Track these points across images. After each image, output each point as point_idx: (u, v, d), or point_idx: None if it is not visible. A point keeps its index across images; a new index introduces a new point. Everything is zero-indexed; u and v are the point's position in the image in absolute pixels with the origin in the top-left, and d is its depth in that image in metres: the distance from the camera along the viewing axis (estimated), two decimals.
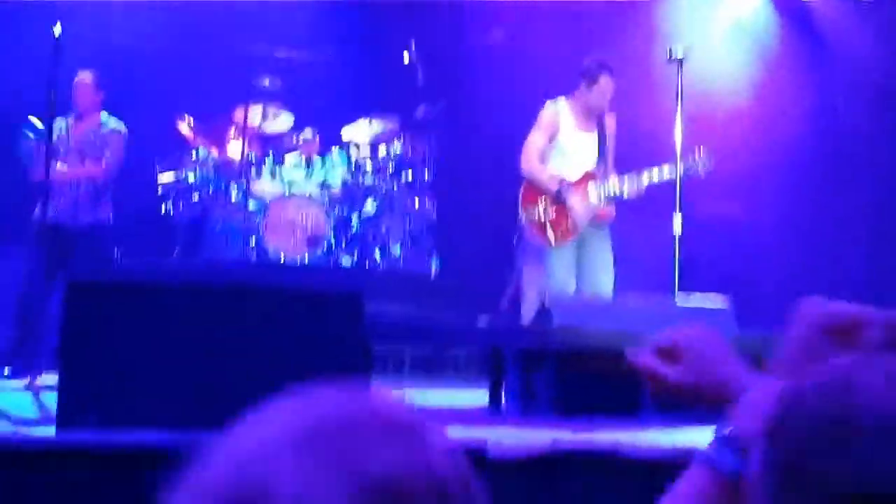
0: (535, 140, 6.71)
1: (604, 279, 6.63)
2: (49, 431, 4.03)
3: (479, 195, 9.10)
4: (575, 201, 6.58)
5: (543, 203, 6.61)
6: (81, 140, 7.22)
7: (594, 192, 6.63)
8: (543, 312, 5.69)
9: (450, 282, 8.70)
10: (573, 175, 6.68)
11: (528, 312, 7.21)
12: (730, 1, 10.30)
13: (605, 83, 6.64)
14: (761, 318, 6.28)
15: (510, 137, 9.37)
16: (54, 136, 6.58)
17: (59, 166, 6.94)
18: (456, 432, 4.71)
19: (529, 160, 6.67)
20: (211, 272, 8.16)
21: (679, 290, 6.38)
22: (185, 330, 4.27)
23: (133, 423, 3.99)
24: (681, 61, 6.61)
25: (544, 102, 6.84)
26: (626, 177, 6.67)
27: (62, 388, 4.11)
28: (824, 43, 10.20)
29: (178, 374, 4.20)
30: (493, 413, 5.56)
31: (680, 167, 6.54)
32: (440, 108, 8.99)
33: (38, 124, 6.91)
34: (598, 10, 9.60)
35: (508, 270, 8.90)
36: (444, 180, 9.11)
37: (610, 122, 6.82)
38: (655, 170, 6.63)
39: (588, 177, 6.68)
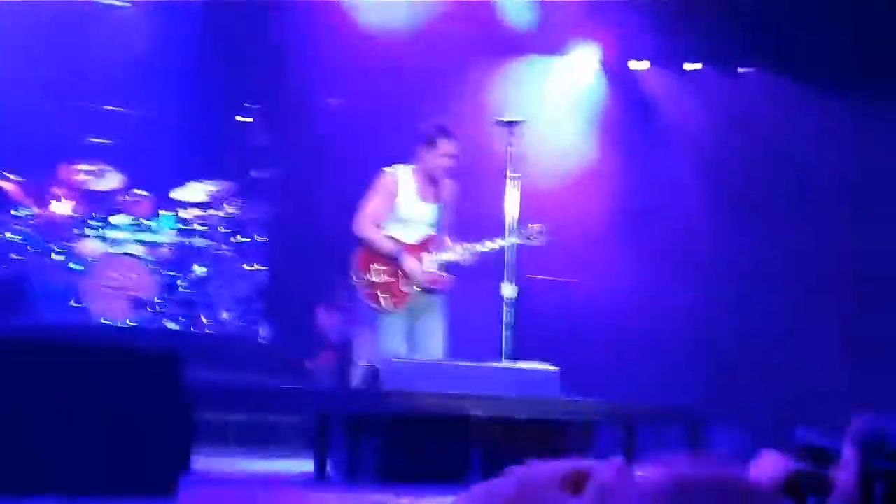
0: (371, 204, 6.65)
1: (433, 346, 6.58)
2: None
3: (312, 259, 8.99)
4: (410, 266, 6.53)
5: (377, 268, 6.54)
6: None
7: (430, 259, 6.60)
8: (372, 375, 5.58)
9: (280, 347, 8.53)
10: (410, 241, 6.65)
11: (358, 378, 7.11)
12: (563, 70, 10.55)
13: (444, 146, 6.63)
14: (588, 384, 6.37)
15: (346, 202, 9.32)
16: None
17: None
18: (280, 499, 4.57)
19: (364, 225, 6.61)
20: (32, 333, 7.80)
21: (509, 355, 6.39)
22: (5, 388, 4.11)
23: None
24: (512, 125, 6.66)
25: (381, 167, 6.79)
26: (462, 245, 6.65)
27: None
28: (653, 110, 10.55)
29: None
30: (318, 480, 5.40)
31: (515, 238, 6.56)
32: (279, 171, 8.88)
33: None
34: (436, 78, 9.68)
35: (330, 333, 8.82)
36: (277, 244, 8.97)
37: (449, 189, 6.80)
38: (491, 241, 6.64)
39: (425, 243, 6.65)
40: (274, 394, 5.90)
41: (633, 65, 10.82)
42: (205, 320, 8.54)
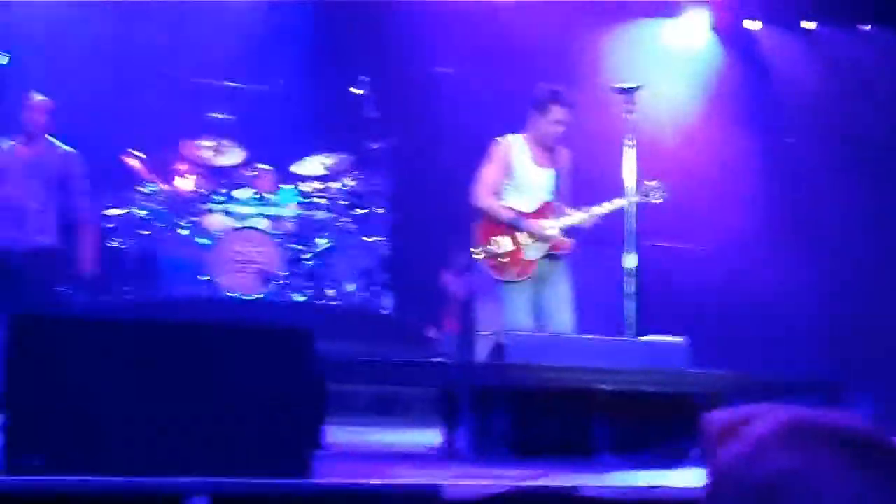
0: (487, 174, 6.61)
1: (563, 314, 6.50)
2: None
3: (431, 229, 9.05)
4: (531, 234, 6.53)
5: (499, 238, 6.54)
6: (32, 162, 6.95)
7: (551, 224, 6.57)
8: (499, 350, 5.62)
9: (403, 318, 8.62)
10: (529, 208, 6.63)
11: (482, 350, 7.15)
12: (676, 33, 10.41)
13: (556, 112, 6.55)
14: (716, 355, 6.30)
15: (464, 172, 9.37)
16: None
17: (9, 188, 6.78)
18: (410, 474, 4.64)
19: (482, 194, 6.58)
20: (160, 308, 8.02)
21: (632, 325, 6.36)
22: (134, 367, 4.15)
23: (81, 466, 3.88)
24: (628, 92, 6.60)
25: (495, 135, 6.78)
26: (581, 209, 6.62)
27: (7, 428, 3.98)
28: (768, 71, 10.35)
29: (126, 414, 4.08)
30: (447, 454, 5.47)
31: (634, 197, 6.50)
32: (394, 143, 8.95)
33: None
34: (546, 44, 9.63)
35: (454, 299, 8.87)
36: (396, 215, 9.04)
37: (564, 157, 6.76)
38: (610, 203, 6.58)
39: (543, 210, 6.61)
40: (401, 366, 5.97)
41: (747, 24, 10.64)
42: (329, 292, 8.66)
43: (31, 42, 8.28)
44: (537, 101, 6.58)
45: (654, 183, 6.59)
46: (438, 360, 7.72)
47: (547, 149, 6.64)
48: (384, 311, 8.70)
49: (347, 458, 5.06)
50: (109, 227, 8.52)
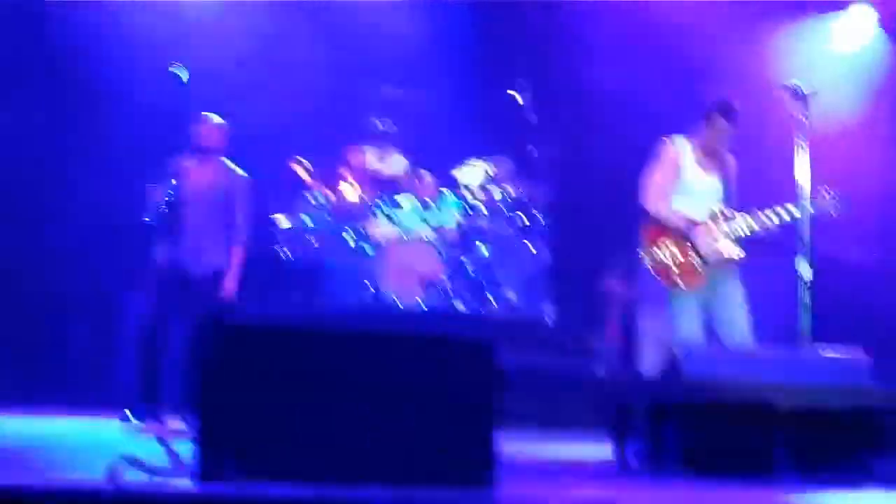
0: (657, 178, 6.47)
1: (739, 323, 6.31)
2: (183, 482, 4.01)
3: (594, 238, 8.96)
4: (704, 242, 6.38)
5: (669, 244, 6.39)
6: (208, 184, 7.05)
7: (723, 233, 6.42)
8: (673, 363, 5.50)
9: (565, 327, 8.55)
10: (699, 215, 6.47)
11: (648, 361, 7.03)
12: (843, 34, 10.12)
13: (720, 124, 6.43)
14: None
15: (625, 180, 9.26)
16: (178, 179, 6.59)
17: (187, 210, 6.92)
18: (586, 490, 4.60)
19: (654, 198, 6.43)
20: (329, 316, 8.14)
21: (809, 338, 6.15)
22: (318, 375, 4.27)
23: (270, 474, 4.03)
24: (806, 97, 6.40)
25: (657, 142, 6.65)
26: (754, 215, 6.44)
27: (202, 436, 4.10)
28: None
29: (311, 423, 4.20)
30: (621, 470, 5.40)
31: (809, 207, 6.31)
32: (555, 149, 8.90)
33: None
34: (709, 47, 9.46)
35: (617, 306, 8.75)
36: (559, 223, 8.97)
37: (731, 164, 6.62)
38: (784, 209, 6.39)
39: (715, 216, 6.46)
40: (573, 380, 5.92)
41: None
42: (492, 301, 8.66)
43: (193, 53, 8.47)
44: (706, 112, 6.47)
45: (830, 195, 6.37)
46: (609, 372, 7.64)
47: (713, 155, 6.51)
48: (546, 320, 8.63)
49: (518, 470, 5.04)
50: (276, 236, 8.68)
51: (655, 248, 6.38)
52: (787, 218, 6.36)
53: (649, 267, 6.40)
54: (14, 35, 9.14)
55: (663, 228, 6.40)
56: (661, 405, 5.34)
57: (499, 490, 4.18)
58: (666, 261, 6.35)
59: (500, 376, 4.62)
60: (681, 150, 6.50)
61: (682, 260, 6.35)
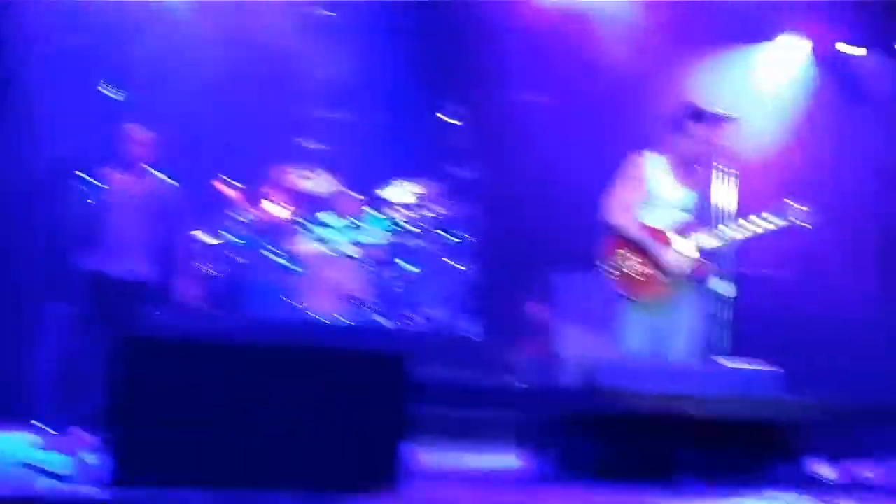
0: (620, 191, 6.35)
1: (679, 339, 6.18)
2: (92, 490, 3.98)
3: (517, 256, 9.03)
4: (667, 253, 6.25)
5: (631, 256, 6.26)
6: (133, 194, 6.99)
7: (688, 245, 6.26)
8: (587, 375, 5.55)
9: (490, 344, 8.59)
10: (666, 227, 6.34)
11: (570, 374, 7.06)
12: (771, 59, 10.32)
13: (696, 130, 6.29)
14: (811, 385, 6.14)
15: (549, 199, 9.36)
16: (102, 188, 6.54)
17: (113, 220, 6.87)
18: (497, 496, 4.62)
19: (615, 211, 6.32)
20: (252, 331, 8.10)
21: (726, 353, 6.19)
22: (233, 387, 4.35)
23: (183, 481, 4.10)
24: (720, 120, 6.37)
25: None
26: (722, 229, 6.28)
27: (115, 445, 4.10)
28: (867, 97, 10.19)
29: (224, 432, 4.27)
30: (534, 477, 5.43)
31: (777, 219, 6.25)
32: (484, 170, 8.96)
33: (91, 180, 6.83)
34: (635, 72, 9.58)
35: (539, 325, 8.81)
36: (482, 242, 9.03)
37: (707, 177, 6.40)
38: (753, 222, 6.26)
39: (682, 230, 6.33)
40: (488, 391, 5.95)
41: (845, 49, 10.45)
42: (416, 318, 8.67)
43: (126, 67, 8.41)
44: (675, 120, 6.38)
45: (801, 207, 6.30)
46: (525, 384, 7.67)
47: (687, 166, 6.39)
48: (471, 337, 8.66)
49: (434, 479, 5.05)
50: (202, 253, 8.62)
51: (617, 260, 6.29)
52: (758, 231, 6.28)
53: (611, 278, 6.30)
54: None
55: (625, 240, 6.31)
56: (576, 416, 5.39)
57: (405, 498, 4.21)
58: (628, 272, 6.27)
59: (414, 389, 4.66)
60: (649, 165, 6.39)
61: (644, 271, 6.28)
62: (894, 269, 9.38)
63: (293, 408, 4.36)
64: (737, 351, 6.19)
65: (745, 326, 6.47)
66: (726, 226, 6.28)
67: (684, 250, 6.27)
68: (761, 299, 8.25)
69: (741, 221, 6.26)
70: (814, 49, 10.25)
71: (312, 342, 6.65)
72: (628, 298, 6.26)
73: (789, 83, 10.29)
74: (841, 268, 9.40)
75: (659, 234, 6.32)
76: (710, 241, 6.29)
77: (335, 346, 6.08)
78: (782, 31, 10.26)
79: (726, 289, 6.31)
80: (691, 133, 6.29)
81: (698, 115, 6.31)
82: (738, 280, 6.39)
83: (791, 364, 5.79)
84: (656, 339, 6.22)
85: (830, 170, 9.66)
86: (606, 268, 6.30)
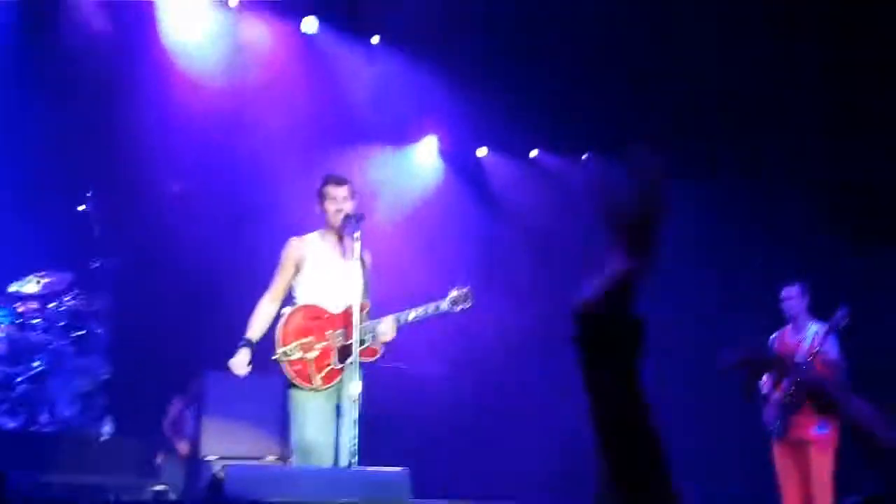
0: (274, 279, 6.32)
1: (351, 428, 6.06)
2: None
3: (154, 351, 8.80)
4: (335, 337, 6.18)
5: (302, 343, 6.15)
6: None
7: (358, 327, 6.11)
8: (216, 483, 5.47)
9: (125, 445, 8.25)
10: (335, 309, 6.26)
11: (204, 480, 6.94)
12: (407, 159, 10.88)
13: (332, 191, 6.31)
14: (436, 486, 6.33)
15: (189, 290, 9.21)
16: None
17: None
18: None
19: (269, 300, 6.29)
20: None
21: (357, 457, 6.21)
22: None
23: None
24: (354, 217, 6.40)
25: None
26: (393, 315, 6.31)
27: None
28: (494, 195, 10.90)
29: None
30: None
31: (445, 305, 6.34)
32: (116, 261, 8.67)
33: None
34: (284, 166, 9.69)
35: (180, 426, 8.61)
36: (117, 336, 8.70)
37: (366, 254, 6.38)
38: (424, 307, 6.35)
39: (349, 311, 6.17)
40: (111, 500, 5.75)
41: (476, 152, 11.23)
42: (44, 417, 8.22)
43: None
44: (317, 193, 6.38)
45: (465, 290, 6.40)
46: (159, 488, 7.48)
47: (343, 243, 6.37)
48: (103, 437, 8.26)
49: None
50: None
51: (289, 348, 6.16)
52: (428, 314, 6.32)
53: (284, 367, 6.16)
54: None
55: (294, 328, 6.20)
56: None
57: None
58: (299, 360, 6.14)
59: (28, 497, 4.46)
60: (307, 246, 6.35)
61: (316, 358, 6.16)
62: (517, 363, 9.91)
63: None
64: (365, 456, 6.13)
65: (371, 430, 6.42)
66: (399, 311, 6.31)
67: (354, 332, 6.14)
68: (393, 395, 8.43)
69: (412, 310, 6.32)
70: (443, 150, 10.94)
71: None
72: (306, 386, 6.14)
73: (422, 182, 10.87)
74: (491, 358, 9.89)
75: (328, 318, 6.25)
76: (381, 324, 6.24)
77: None
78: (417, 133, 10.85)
79: (354, 388, 6.14)
80: (328, 196, 6.32)
81: (327, 179, 6.38)
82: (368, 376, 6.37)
83: (415, 467, 5.82)
84: (332, 426, 6.12)
85: (461, 263, 10.10)
86: (279, 354, 6.15)
